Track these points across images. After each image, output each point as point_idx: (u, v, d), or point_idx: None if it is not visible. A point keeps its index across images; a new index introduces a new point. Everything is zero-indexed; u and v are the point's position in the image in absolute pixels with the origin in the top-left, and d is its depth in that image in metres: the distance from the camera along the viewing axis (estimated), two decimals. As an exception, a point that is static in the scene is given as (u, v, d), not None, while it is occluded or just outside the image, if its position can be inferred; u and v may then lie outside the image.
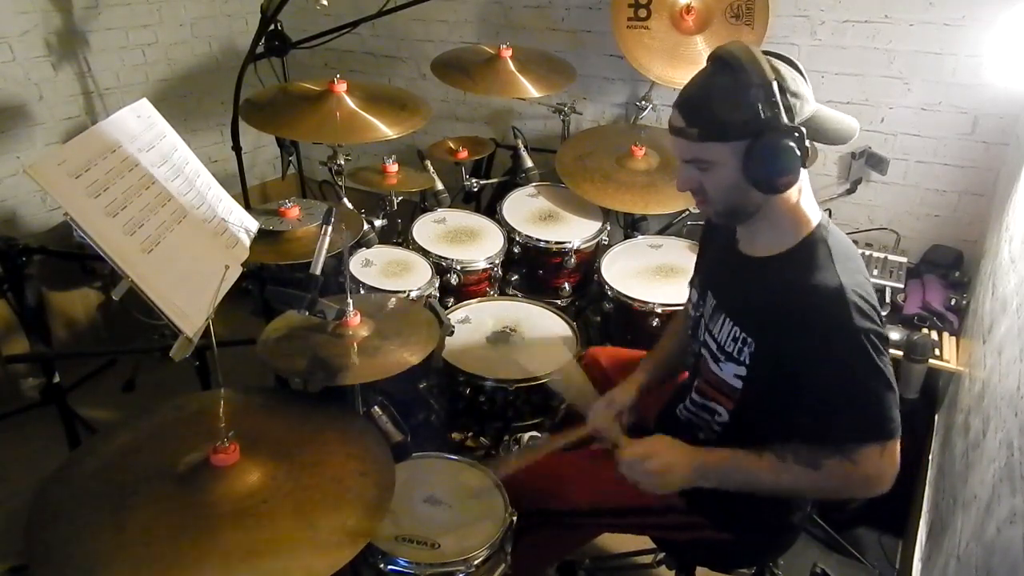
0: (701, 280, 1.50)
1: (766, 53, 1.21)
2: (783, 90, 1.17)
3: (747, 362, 1.30)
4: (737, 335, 1.31)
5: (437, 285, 2.17)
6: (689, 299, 1.53)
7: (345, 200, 2.39)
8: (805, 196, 1.28)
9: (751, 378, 1.31)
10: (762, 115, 1.16)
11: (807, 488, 1.23)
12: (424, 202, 2.70)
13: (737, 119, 1.18)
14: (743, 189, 1.23)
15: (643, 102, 2.71)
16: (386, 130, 2.17)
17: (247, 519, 1.16)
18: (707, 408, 1.43)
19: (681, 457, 1.29)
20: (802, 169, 1.23)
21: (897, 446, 1.17)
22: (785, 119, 1.17)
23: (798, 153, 1.17)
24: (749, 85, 1.16)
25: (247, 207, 1.89)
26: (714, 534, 1.42)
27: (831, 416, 1.18)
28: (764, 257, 1.31)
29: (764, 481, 1.23)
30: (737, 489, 1.26)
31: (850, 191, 2.50)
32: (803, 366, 1.20)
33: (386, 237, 2.46)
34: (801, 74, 1.23)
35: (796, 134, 1.17)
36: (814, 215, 1.29)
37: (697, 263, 1.62)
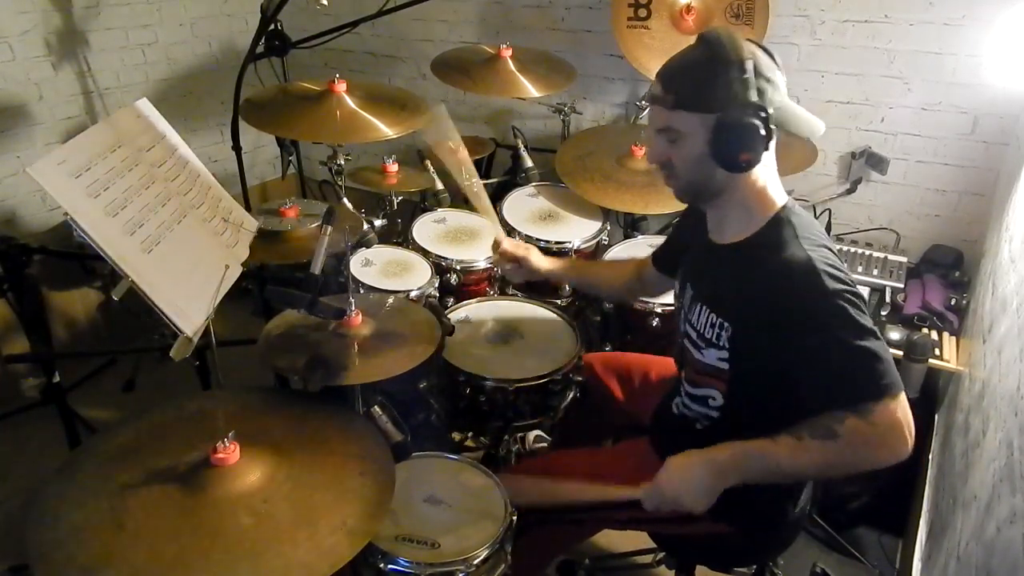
0: (681, 272, 1.53)
1: (748, 40, 1.25)
2: (758, 72, 1.21)
3: (727, 346, 1.32)
4: (714, 321, 1.33)
5: (437, 285, 2.17)
6: (674, 294, 1.56)
7: (345, 200, 2.39)
8: (771, 183, 1.32)
9: (734, 360, 1.33)
10: (733, 90, 1.20)
11: (830, 463, 1.19)
12: (424, 202, 2.69)
13: (709, 90, 1.22)
14: (708, 166, 1.27)
15: (643, 102, 2.71)
16: (386, 130, 2.17)
17: (247, 519, 1.16)
18: (699, 397, 1.43)
19: (690, 466, 1.27)
20: (768, 155, 1.27)
21: (905, 400, 1.16)
22: (755, 98, 1.20)
23: (762, 133, 1.20)
24: (725, 60, 1.20)
25: (247, 207, 1.90)
26: (714, 527, 1.42)
27: (829, 380, 1.18)
28: (733, 243, 1.35)
29: (785, 465, 1.20)
30: (761, 480, 1.24)
31: (850, 191, 2.51)
32: (787, 342, 1.21)
33: (386, 237, 2.46)
34: (777, 65, 1.27)
35: (763, 113, 1.20)
36: (779, 198, 1.32)
37: (665, 244, 1.70)
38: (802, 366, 1.21)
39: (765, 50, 1.27)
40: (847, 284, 1.21)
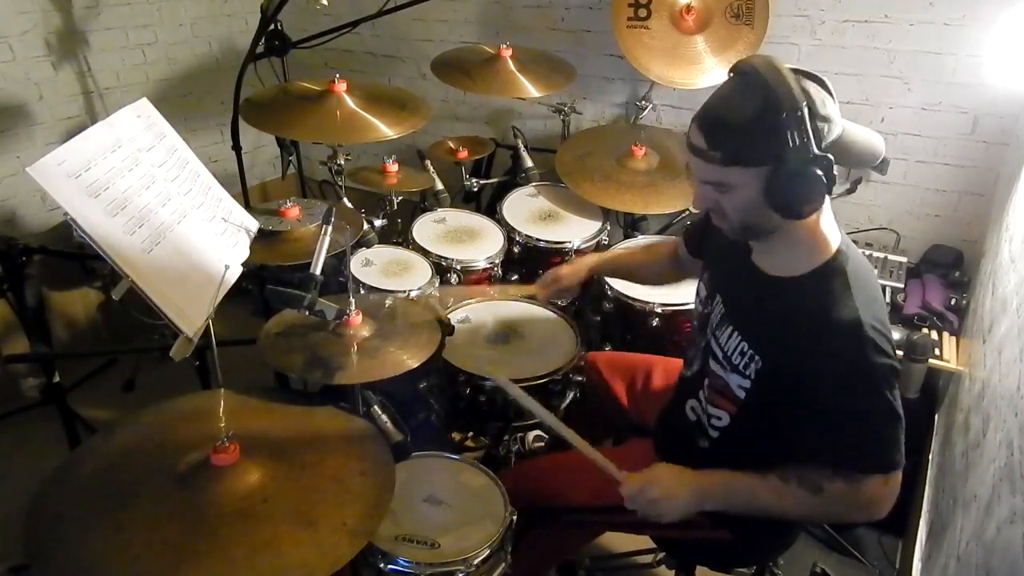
0: (710, 278, 1.48)
1: (797, 71, 1.16)
2: (813, 115, 1.12)
3: (752, 377, 1.29)
4: (745, 350, 1.30)
5: (437, 285, 2.17)
6: (697, 292, 1.52)
7: (345, 200, 2.39)
8: (825, 217, 1.24)
9: (754, 391, 1.30)
10: (790, 143, 1.11)
11: (807, 513, 1.25)
12: (424, 202, 2.70)
13: (764, 146, 1.13)
14: (763, 210, 1.19)
15: (643, 102, 2.71)
16: (386, 130, 2.16)
17: (247, 519, 1.16)
18: (707, 412, 1.43)
19: (681, 482, 1.30)
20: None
21: (899, 476, 1.19)
22: (813, 146, 1.12)
23: (824, 181, 1.13)
24: (778, 111, 1.10)
25: (247, 207, 1.89)
26: (714, 532, 1.42)
27: (838, 446, 1.19)
28: (780, 277, 1.28)
29: (766, 505, 1.25)
30: (742, 513, 1.27)
31: (850, 191, 2.50)
32: (812, 394, 1.20)
33: (386, 237, 2.46)
34: (830, 93, 1.18)
35: (824, 162, 1.13)
36: (834, 238, 1.25)
37: (696, 228, 1.62)
38: (817, 420, 1.20)
39: (816, 79, 1.17)
40: (889, 357, 1.17)
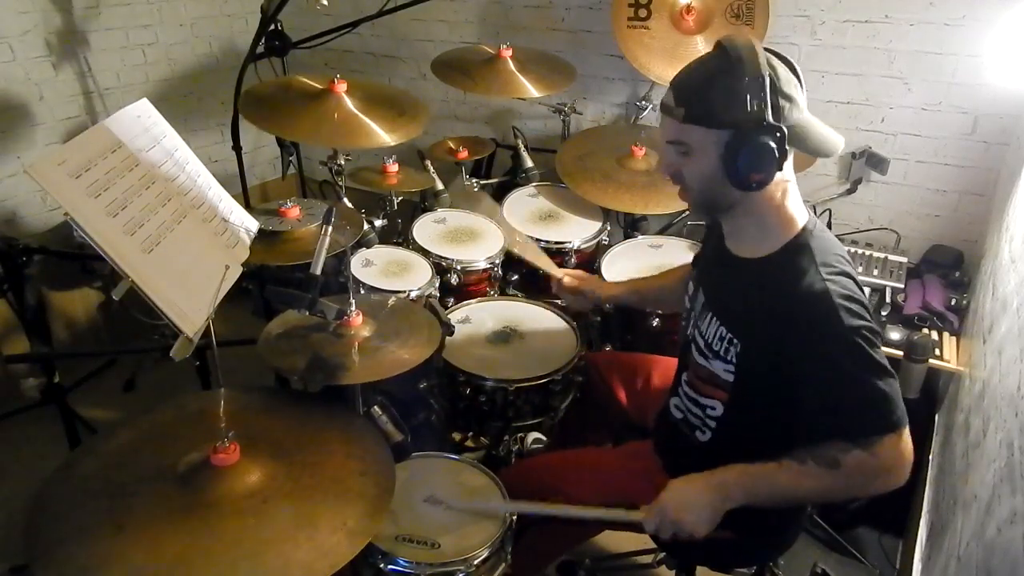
0: (695, 274, 1.51)
1: (769, 51, 1.21)
2: (775, 88, 1.17)
3: (734, 361, 1.30)
4: (723, 335, 1.31)
5: (437, 285, 2.17)
6: (687, 291, 1.54)
7: (345, 200, 2.39)
8: (792, 197, 1.28)
9: (740, 375, 1.31)
10: (748, 108, 1.16)
11: (830, 489, 1.21)
12: (424, 202, 2.70)
13: (722, 106, 1.18)
14: (720, 181, 1.23)
15: (643, 102, 2.72)
16: (384, 136, 2.14)
17: (247, 519, 1.16)
18: (699, 404, 1.42)
19: (695, 489, 1.27)
20: (787, 171, 1.24)
21: (908, 434, 1.17)
22: (770, 117, 1.16)
23: (776, 154, 1.16)
24: (741, 75, 1.15)
25: (247, 207, 1.89)
26: (717, 532, 1.42)
27: (838, 414, 1.18)
28: (750, 258, 1.31)
29: (787, 489, 1.22)
30: (766, 503, 1.24)
31: (850, 191, 2.51)
32: (798, 369, 1.20)
33: (386, 237, 2.46)
34: (799, 80, 1.22)
35: (777, 133, 1.16)
36: (800, 216, 1.28)
37: (696, 254, 1.63)
38: (811, 396, 1.20)
39: (789, 64, 1.22)
40: (863, 318, 1.18)
